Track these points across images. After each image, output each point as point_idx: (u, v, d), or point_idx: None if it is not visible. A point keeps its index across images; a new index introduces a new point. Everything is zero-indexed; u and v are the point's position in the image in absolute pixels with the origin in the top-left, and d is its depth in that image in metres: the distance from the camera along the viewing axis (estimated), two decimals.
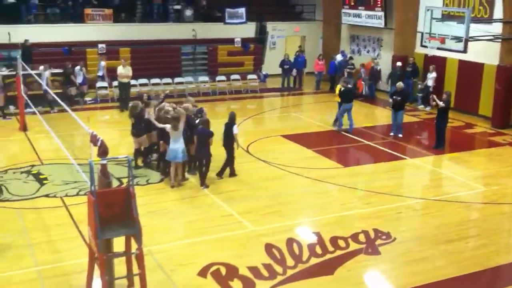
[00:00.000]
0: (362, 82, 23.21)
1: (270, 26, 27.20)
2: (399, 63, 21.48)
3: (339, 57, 24.59)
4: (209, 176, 12.98)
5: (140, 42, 23.88)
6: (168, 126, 12.50)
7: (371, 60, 23.70)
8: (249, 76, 24.66)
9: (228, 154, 13.36)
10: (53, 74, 20.16)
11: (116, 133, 17.42)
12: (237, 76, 24.38)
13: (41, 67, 19.57)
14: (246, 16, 25.08)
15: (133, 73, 20.86)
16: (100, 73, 21.58)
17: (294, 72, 24.72)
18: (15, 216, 11.07)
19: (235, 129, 13.17)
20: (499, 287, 9.30)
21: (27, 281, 8.72)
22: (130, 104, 14.24)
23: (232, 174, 13.48)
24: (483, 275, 9.34)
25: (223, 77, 24.31)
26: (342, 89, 17.76)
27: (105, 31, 23.51)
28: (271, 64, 26.04)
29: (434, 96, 16.27)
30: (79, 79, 20.55)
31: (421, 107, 21.08)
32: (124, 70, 20.07)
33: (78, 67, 20.64)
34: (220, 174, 13.36)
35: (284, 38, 27.88)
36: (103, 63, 21.49)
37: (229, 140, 13.25)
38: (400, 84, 17.32)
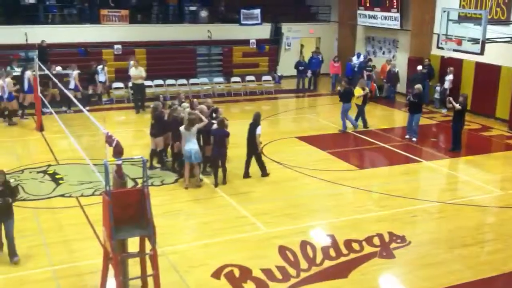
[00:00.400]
0: (374, 84, 23.11)
1: (285, 27, 27.17)
2: (419, 67, 21.11)
3: (355, 59, 24.45)
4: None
5: (156, 43, 23.97)
6: (181, 127, 12.57)
7: (386, 62, 23.43)
8: (264, 78, 24.65)
9: (255, 154, 13.43)
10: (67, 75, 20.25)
11: (132, 133, 17.52)
12: (252, 78, 24.39)
13: (58, 68, 19.73)
14: (261, 18, 25.08)
15: (148, 74, 20.96)
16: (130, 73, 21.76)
17: (309, 73, 24.68)
18: (31, 216, 11.16)
19: (258, 130, 13.20)
20: None
21: (42, 280, 8.79)
22: (152, 105, 14.32)
23: (247, 175, 13.51)
24: (498, 280, 9.23)
25: (238, 78, 24.33)
26: (342, 90, 17.99)
27: (121, 32, 23.65)
28: (286, 65, 26.02)
29: (451, 98, 16.14)
30: (101, 78, 20.75)
31: (444, 111, 20.75)
32: (136, 72, 20.06)
33: (100, 66, 20.82)
34: (264, 173, 13.54)
35: (299, 40, 27.84)
36: (132, 62, 21.59)
37: (253, 140, 13.28)
38: (418, 86, 17.19)
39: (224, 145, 12.81)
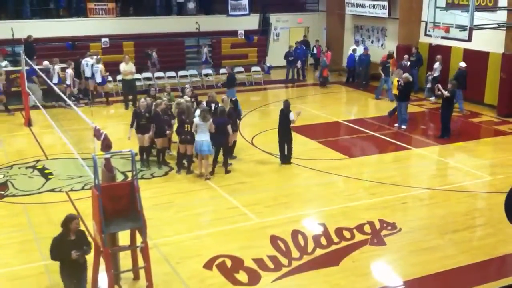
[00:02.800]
0: (327, 71, 23.30)
1: (273, 17, 27.06)
2: (463, 64, 18.94)
3: (360, 49, 23.74)
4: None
5: (144, 36, 23.81)
6: (197, 118, 12.61)
7: (388, 54, 21.79)
8: (253, 68, 24.57)
9: (287, 141, 13.66)
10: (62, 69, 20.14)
11: (120, 127, 17.41)
12: (241, 69, 24.31)
13: (45, 62, 19.58)
14: (249, 8, 24.98)
15: (137, 66, 20.79)
16: None
17: (299, 64, 24.57)
18: (21, 211, 11.10)
19: (291, 116, 13.44)
20: (505, 276, 9.22)
21: (34, 275, 8.75)
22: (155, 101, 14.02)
23: (288, 161, 13.71)
24: (489, 265, 9.30)
25: (241, 69, 24.22)
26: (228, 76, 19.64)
27: (108, 25, 23.48)
28: (275, 56, 25.96)
29: (439, 86, 16.17)
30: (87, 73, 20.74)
31: (432, 99, 20.46)
32: (127, 67, 19.75)
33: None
34: (288, 161, 13.76)
35: (288, 30, 27.77)
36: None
37: (285, 127, 13.53)
38: (406, 75, 17.19)
39: (226, 133, 12.91)
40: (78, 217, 7.45)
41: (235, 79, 20.01)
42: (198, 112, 13.10)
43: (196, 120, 12.61)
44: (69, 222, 7.36)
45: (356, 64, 23.65)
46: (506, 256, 9.57)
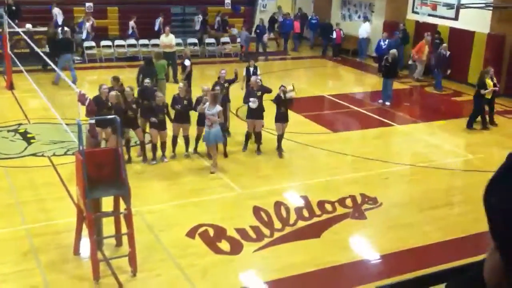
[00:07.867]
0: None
1: None
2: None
3: (366, 27, 22.99)
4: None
5: (129, 2, 23.44)
6: (206, 104, 11.43)
7: (424, 40, 19.63)
8: (239, 39, 24.33)
9: None
10: (37, 33, 19.81)
11: None
12: (227, 39, 24.08)
13: (28, 25, 19.22)
14: None
15: (121, 33, 20.47)
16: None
17: (265, 37, 24.02)
18: (2, 174, 11.01)
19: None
20: (482, 253, 9.41)
21: (15, 238, 8.73)
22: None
23: None
24: (467, 241, 9.48)
25: (212, 40, 24.00)
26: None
27: None
28: None
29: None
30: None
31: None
32: (167, 39, 18.66)
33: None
34: None
35: (275, 1, 27.51)
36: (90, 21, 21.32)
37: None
38: (394, 51, 17.21)
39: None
40: None
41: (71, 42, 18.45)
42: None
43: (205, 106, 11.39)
44: None
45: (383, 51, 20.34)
46: (482, 233, 9.75)
